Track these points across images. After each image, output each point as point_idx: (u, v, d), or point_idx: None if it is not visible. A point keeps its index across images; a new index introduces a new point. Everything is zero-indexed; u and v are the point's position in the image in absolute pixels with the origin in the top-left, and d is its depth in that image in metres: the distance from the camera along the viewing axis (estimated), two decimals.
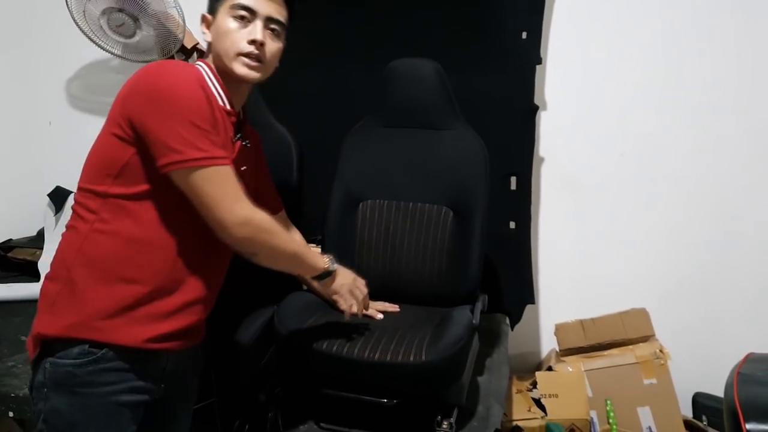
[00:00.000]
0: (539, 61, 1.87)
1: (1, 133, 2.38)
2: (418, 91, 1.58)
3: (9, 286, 2.02)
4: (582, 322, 2.02)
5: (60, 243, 1.08)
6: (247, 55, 1.11)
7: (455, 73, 1.83)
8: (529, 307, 2.00)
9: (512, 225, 1.92)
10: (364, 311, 1.41)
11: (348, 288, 1.33)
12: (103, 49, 2.03)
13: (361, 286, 1.36)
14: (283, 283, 1.42)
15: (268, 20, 1.13)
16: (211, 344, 1.28)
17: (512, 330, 1.91)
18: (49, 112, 2.33)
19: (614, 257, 2.03)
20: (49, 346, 1.02)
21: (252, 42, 1.11)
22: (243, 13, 1.11)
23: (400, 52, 1.69)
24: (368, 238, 1.60)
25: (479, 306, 1.47)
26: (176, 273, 1.08)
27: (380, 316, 1.48)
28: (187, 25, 2.05)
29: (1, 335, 1.65)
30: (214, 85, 1.12)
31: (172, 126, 0.97)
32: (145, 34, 2.06)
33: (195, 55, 2.13)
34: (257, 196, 1.23)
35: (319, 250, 1.56)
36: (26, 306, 1.85)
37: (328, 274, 1.27)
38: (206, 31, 1.16)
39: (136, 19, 2.03)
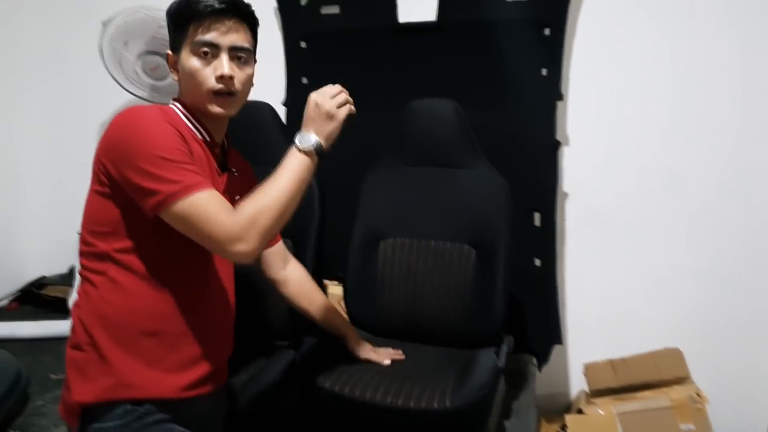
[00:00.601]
0: (560, 97, 1.86)
1: (34, 171, 2.47)
2: (436, 130, 1.59)
3: (40, 324, 2.06)
4: (612, 362, 1.95)
5: (75, 309, 1.08)
6: (218, 92, 1.09)
7: (476, 111, 1.85)
8: (556, 346, 1.95)
9: (537, 262, 1.89)
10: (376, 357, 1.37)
11: (329, 109, 1.10)
12: (131, 92, 2.09)
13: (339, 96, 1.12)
14: (306, 322, 1.41)
15: (233, 50, 1.09)
16: (235, 388, 1.28)
17: (539, 371, 1.86)
18: (82, 151, 2.40)
19: (644, 294, 1.98)
20: (90, 412, 1.02)
21: (220, 78, 1.08)
22: (206, 49, 1.07)
23: (421, 92, 1.71)
24: (389, 277, 1.59)
25: (504, 348, 1.44)
26: (194, 315, 1.08)
27: (388, 361, 1.43)
28: None
29: (31, 374, 1.67)
30: (189, 120, 1.11)
31: (143, 167, 0.96)
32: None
33: None
34: None
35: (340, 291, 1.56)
36: (56, 344, 1.87)
37: (317, 151, 1.08)
38: (172, 69, 1.14)
39: None
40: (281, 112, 2.12)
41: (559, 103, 1.89)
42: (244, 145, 1.67)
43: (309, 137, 1.07)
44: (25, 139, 2.47)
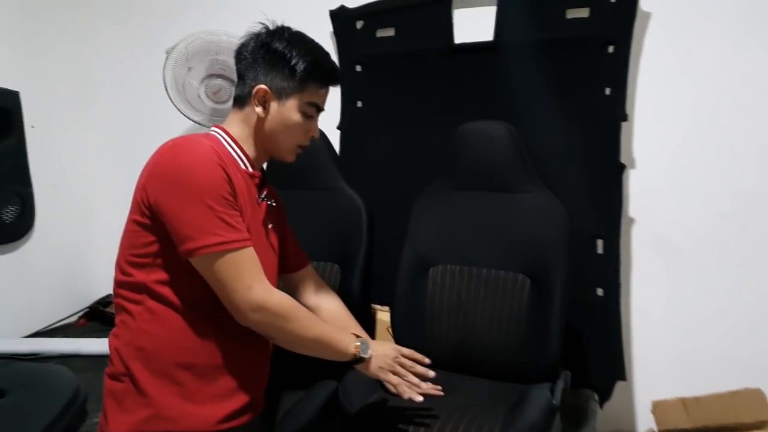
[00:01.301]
0: (625, 117, 1.76)
1: (104, 194, 2.58)
2: (489, 153, 1.53)
3: (103, 341, 2.12)
4: (684, 401, 1.80)
5: (113, 338, 1.10)
6: (303, 146, 1.17)
7: (535, 134, 1.81)
8: (622, 382, 1.83)
9: (599, 292, 1.78)
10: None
11: (389, 369, 1.18)
12: (189, 118, 2.15)
13: (405, 362, 1.20)
14: None
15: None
16: (274, 418, 1.26)
17: (601, 408, 1.75)
18: None
19: (719, 328, 1.82)
20: None
21: (311, 138, 1.17)
22: (312, 111, 1.15)
23: (477, 114, 1.67)
24: (439, 305, 1.54)
25: (560, 384, 1.36)
26: (229, 347, 1.08)
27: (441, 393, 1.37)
28: None
29: (92, 390, 1.71)
30: (234, 150, 1.11)
31: (188, 211, 0.97)
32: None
33: None
34: (283, 254, 1.26)
35: (383, 326, 1.51)
36: None
37: (359, 361, 1.15)
38: (259, 105, 1.11)
39: (232, 82, 2.14)
40: (336, 135, 2.13)
41: (624, 124, 1.79)
42: (295, 170, 1.69)
43: (367, 352, 1.15)
44: (95, 163, 2.59)
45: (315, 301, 1.34)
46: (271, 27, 1.16)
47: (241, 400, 1.08)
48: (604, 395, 1.76)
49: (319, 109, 1.16)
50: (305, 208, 1.59)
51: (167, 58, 2.08)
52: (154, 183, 1.01)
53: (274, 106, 1.11)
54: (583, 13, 1.82)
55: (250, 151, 1.14)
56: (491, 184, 1.54)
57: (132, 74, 2.50)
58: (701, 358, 1.83)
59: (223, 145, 1.10)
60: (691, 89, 1.80)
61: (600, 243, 1.79)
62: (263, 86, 1.10)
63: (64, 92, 2.45)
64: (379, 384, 1.35)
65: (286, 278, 1.35)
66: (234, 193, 1.03)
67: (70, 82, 2.47)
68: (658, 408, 1.83)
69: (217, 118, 2.19)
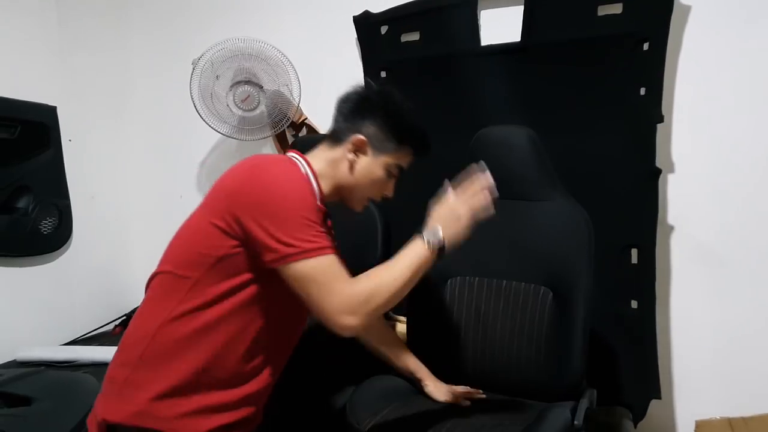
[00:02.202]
0: (661, 119, 1.66)
1: (139, 206, 2.64)
2: (508, 159, 1.46)
3: None
4: (730, 421, 1.67)
5: (134, 324, 1.11)
6: (372, 199, 1.21)
7: (566, 137, 1.73)
8: (663, 400, 1.71)
9: (634, 304, 1.68)
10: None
11: (466, 210, 1.13)
12: (215, 130, 2.16)
13: (467, 189, 1.16)
14: (360, 366, 1.34)
15: None
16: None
17: (635, 427, 1.64)
18: (181, 188, 2.53)
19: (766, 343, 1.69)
20: (113, 431, 1.04)
21: (385, 197, 1.21)
22: (395, 173, 1.20)
23: (506, 117, 1.60)
24: (457, 318, 1.47)
25: (584, 404, 1.27)
26: (242, 367, 1.07)
27: (467, 403, 1.36)
28: (300, 101, 2.13)
29: None
30: (314, 183, 1.15)
31: (286, 225, 1.00)
32: (262, 109, 2.18)
33: (304, 129, 2.20)
34: None
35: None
36: None
37: (440, 251, 1.10)
38: (353, 154, 1.17)
39: (260, 87, 2.15)
40: None
41: (661, 127, 1.68)
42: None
43: (438, 234, 1.09)
44: (130, 175, 2.65)
45: None
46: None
47: (237, 414, 1.07)
48: (639, 414, 1.65)
49: (403, 171, 1.22)
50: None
51: (193, 69, 2.10)
52: (245, 199, 1.03)
53: (365, 158, 1.18)
54: (616, 9, 1.73)
55: (325, 188, 1.17)
56: (510, 192, 1.46)
57: (165, 86, 2.55)
58: (750, 375, 1.70)
59: (307, 175, 1.15)
60: (735, 88, 1.67)
61: (635, 252, 1.69)
62: (364, 137, 1.16)
63: (100, 106, 2.52)
64: (392, 397, 1.31)
65: None
66: (319, 213, 1.06)
67: (106, 96, 2.54)
68: (701, 428, 1.70)
69: (245, 127, 2.19)
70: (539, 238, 1.42)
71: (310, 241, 0.99)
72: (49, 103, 2.30)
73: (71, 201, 2.36)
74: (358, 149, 1.17)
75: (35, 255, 2.24)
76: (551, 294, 1.39)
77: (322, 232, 1.02)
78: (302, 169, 1.13)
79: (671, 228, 1.76)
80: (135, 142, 2.64)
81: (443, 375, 1.44)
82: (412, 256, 1.07)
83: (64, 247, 2.34)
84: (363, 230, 1.56)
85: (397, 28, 2.05)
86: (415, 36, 2.03)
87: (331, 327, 1.01)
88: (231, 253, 1.03)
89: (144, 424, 1.02)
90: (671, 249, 1.76)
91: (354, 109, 1.19)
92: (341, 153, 1.17)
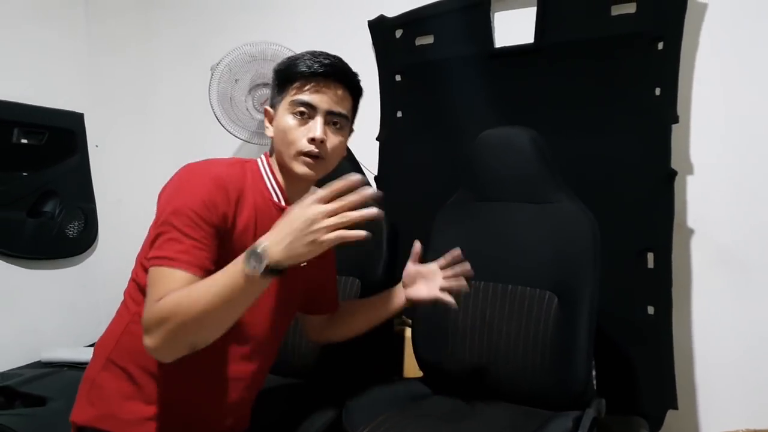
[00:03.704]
0: (676, 119, 1.61)
1: None
2: (510, 161, 1.44)
3: None
4: None
5: (108, 327, 1.13)
6: (307, 154, 1.07)
7: (579, 138, 1.72)
8: (684, 410, 1.65)
9: (650, 310, 1.62)
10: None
11: (305, 235, 0.86)
12: (233, 135, 2.19)
13: (328, 206, 0.87)
14: (356, 374, 1.33)
15: (329, 114, 1.08)
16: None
17: None
18: None
19: None
20: None
21: (311, 140, 1.06)
22: (302, 109, 1.07)
23: (520, 119, 1.58)
24: (462, 323, 1.45)
25: (591, 413, 1.24)
26: (196, 383, 1.06)
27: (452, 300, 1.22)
28: None
29: None
30: (270, 181, 1.12)
31: (158, 224, 0.98)
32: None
33: None
34: (312, 295, 1.23)
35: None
36: None
37: (270, 270, 0.87)
38: (269, 125, 1.14)
39: None
40: (375, 147, 2.10)
41: (678, 127, 1.63)
42: (316, 183, 1.67)
43: (261, 252, 0.86)
44: (155, 179, 2.66)
45: (326, 335, 1.35)
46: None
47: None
48: (655, 424, 1.59)
49: (310, 106, 1.07)
50: None
51: (212, 74, 2.14)
52: (160, 196, 1.05)
53: (275, 120, 1.12)
54: (629, 8, 1.70)
55: (283, 180, 1.13)
56: (515, 194, 1.44)
57: (189, 91, 2.60)
58: None
59: (261, 174, 1.12)
60: (754, 86, 1.61)
61: (650, 256, 1.64)
62: (267, 107, 1.15)
63: (126, 112, 2.59)
64: (389, 405, 1.30)
65: (306, 318, 1.36)
66: (226, 220, 1.01)
67: (131, 102, 2.61)
68: None
69: (262, 131, 2.21)
70: (544, 242, 1.40)
71: (159, 248, 0.95)
72: (77, 110, 2.37)
73: (97, 205, 2.43)
74: (270, 119, 1.14)
75: (61, 258, 2.31)
76: (556, 299, 1.36)
77: (179, 241, 0.94)
78: (262, 169, 1.12)
79: (690, 231, 1.70)
80: (160, 147, 2.69)
81: (447, 380, 1.42)
82: (225, 277, 0.89)
83: (89, 250, 2.40)
84: (367, 230, 1.55)
85: (412, 31, 2.04)
86: (429, 39, 2.02)
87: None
88: None
89: (107, 427, 1.04)
90: (691, 252, 1.70)
91: None
92: (269, 135, 1.15)
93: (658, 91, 1.64)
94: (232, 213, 1.02)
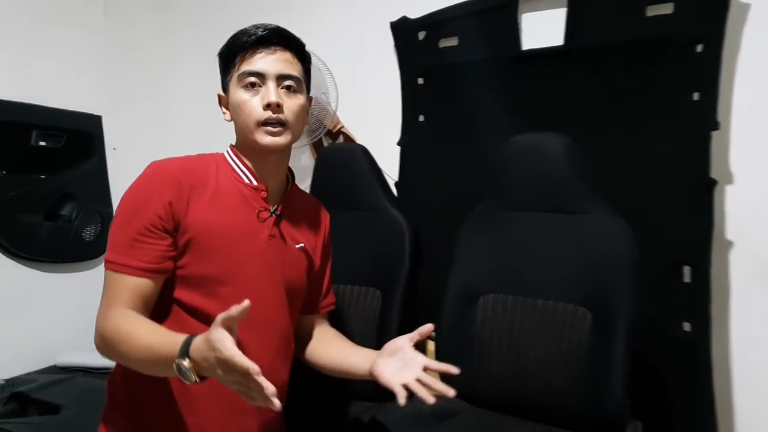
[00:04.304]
0: (716, 126, 1.52)
1: None
2: (542, 169, 1.36)
3: None
4: None
5: None
6: (266, 122, 1.04)
7: (611, 145, 1.64)
8: None
9: (686, 327, 1.54)
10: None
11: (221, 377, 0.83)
12: None
13: (223, 363, 0.80)
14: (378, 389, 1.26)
15: (280, 78, 1.06)
16: None
17: None
18: None
19: None
20: None
21: (267, 106, 1.04)
22: (252, 79, 1.05)
23: (548, 125, 1.51)
24: (489, 339, 1.38)
25: None
26: (179, 398, 1.04)
27: (432, 400, 1.00)
28: (337, 109, 2.09)
29: None
30: (237, 165, 1.11)
31: (112, 228, 1.02)
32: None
33: (341, 137, 2.16)
34: (298, 280, 1.16)
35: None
36: None
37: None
38: (225, 111, 1.14)
39: None
40: (396, 152, 2.04)
41: (717, 134, 1.55)
42: (336, 189, 1.62)
43: (185, 374, 0.84)
44: None
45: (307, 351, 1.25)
46: None
47: None
48: None
49: (258, 74, 1.05)
50: (346, 229, 1.50)
51: None
52: None
53: (229, 102, 1.11)
54: (666, 9, 1.61)
55: (251, 160, 1.12)
56: (545, 204, 1.37)
57: (208, 94, 2.55)
58: None
59: (227, 161, 1.12)
60: None
61: (687, 270, 1.55)
62: (219, 93, 1.16)
63: (144, 115, 2.56)
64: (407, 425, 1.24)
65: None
66: (173, 209, 1.01)
67: (150, 105, 2.58)
68: None
69: None
70: (577, 255, 1.32)
71: (114, 253, 1.00)
72: (95, 113, 2.35)
73: (114, 208, 2.39)
74: (225, 104, 1.14)
75: (77, 261, 2.29)
76: (590, 315, 1.29)
77: (126, 244, 0.99)
78: (228, 157, 1.13)
79: (730, 243, 1.61)
80: (178, 150, 2.64)
81: (474, 400, 1.35)
82: (161, 351, 0.88)
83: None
84: (390, 241, 1.49)
85: (435, 33, 1.98)
86: (453, 41, 1.96)
87: None
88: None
89: None
90: (730, 267, 1.61)
91: None
92: (227, 119, 1.15)
93: (696, 96, 1.55)
94: (185, 200, 1.02)
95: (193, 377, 0.83)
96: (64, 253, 2.24)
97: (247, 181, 1.10)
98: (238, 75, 1.06)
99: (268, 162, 1.11)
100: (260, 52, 1.06)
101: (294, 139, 1.10)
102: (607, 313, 1.25)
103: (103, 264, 2.04)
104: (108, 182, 2.39)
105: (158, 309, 1.03)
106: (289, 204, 1.17)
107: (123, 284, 0.98)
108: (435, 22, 1.97)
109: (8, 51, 2.09)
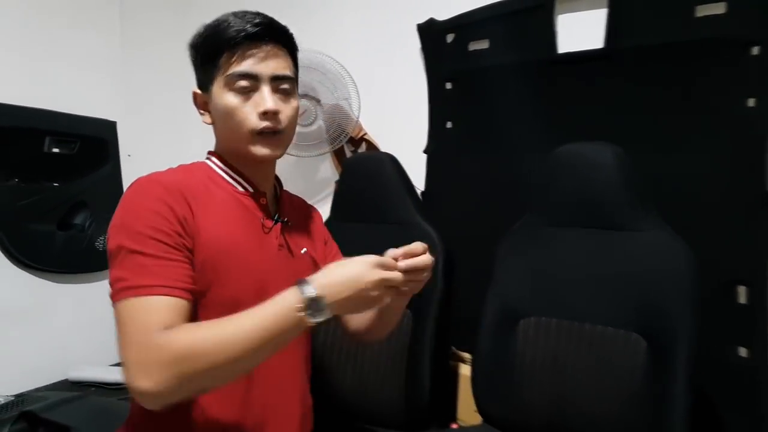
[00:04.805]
0: None
1: None
2: (592, 181, 1.26)
3: None
4: None
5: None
6: (262, 132, 0.93)
7: (654, 157, 1.53)
8: None
9: (742, 352, 1.42)
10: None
11: (369, 294, 0.83)
12: None
13: (392, 274, 0.85)
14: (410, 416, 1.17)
15: (275, 80, 0.95)
16: None
17: None
18: None
19: None
20: None
21: (264, 114, 0.93)
22: (243, 83, 0.93)
23: (586, 134, 1.42)
24: (530, 367, 1.28)
25: None
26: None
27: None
28: (359, 116, 2.00)
29: None
30: (227, 174, 1.00)
31: (110, 255, 0.86)
32: (320, 124, 2.06)
33: (363, 145, 2.07)
34: None
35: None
36: None
37: (313, 308, 0.80)
38: (203, 112, 1.01)
39: (317, 101, 2.04)
40: (423, 160, 1.94)
41: None
42: (362, 201, 1.52)
43: (321, 308, 0.80)
44: None
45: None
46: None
47: None
48: None
49: (251, 76, 0.93)
50: (373, 243, 1.40)
51: None
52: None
53: (209, 105, 0.99)
54: (718, 9, 1.50)
55: (239, 167, 1.01)
56: (594, 220, 1.26)
57: None
58: None
59: (213, 171, 1.01)
60: None
61: (743, 290, 1.44)
62: (195, 90, 1.02)
63: (160, 121, 2.49)
64: None
65: None
66: (187, 224, 0.88)
67: (166, 111, 2.51)
68: None
69: (301, 143, 2.08)
70: (629, 275, 1.21)
71: (120, 279, 0.82)
72: (109, 118, 2.29)
73: None
74: (201, 104, 1.01)
75: (91, 272, 2.22)
76: (644, 342, 1.18)
77: (140, 263, 0.82)
78: (213, 166, 1.01)
79: None
80: (194, 157, 2.58)
81: (510, 427, 1.25)
82: (274, 317, 0.79)
83: None
84: None
85: (465, 35, 1.89)
86: (484, 44, 1.86)
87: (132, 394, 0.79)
88: None
89: None
90: None
91: None
92: (206, 122, 1.03)
93: (752, 103, 1.44)
94: (192, 216, 0.90)
95: (326, 307, 0.79)
96: (78, 263, 2.17)
97: (242, 189, 1.00)
98: (227, 77, 0.94)
99: (260, 169, 1.02)
100: (251, 50, 0.94)
101: (288, 146, 1.01)
102: (664, 341, 1.14)
103: None
104: (122, 190, 2.29)
105: None
106: (285, 209, 1.08)
107: (158, 310, 0.81)
108: (464, 24, 1.87)
109: (20, 54, 2.03)
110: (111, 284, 0.84)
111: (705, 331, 1.38)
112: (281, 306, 0.79)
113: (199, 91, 1.00)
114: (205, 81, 0.98)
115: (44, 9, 2.10)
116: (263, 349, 0.79)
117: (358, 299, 0.82)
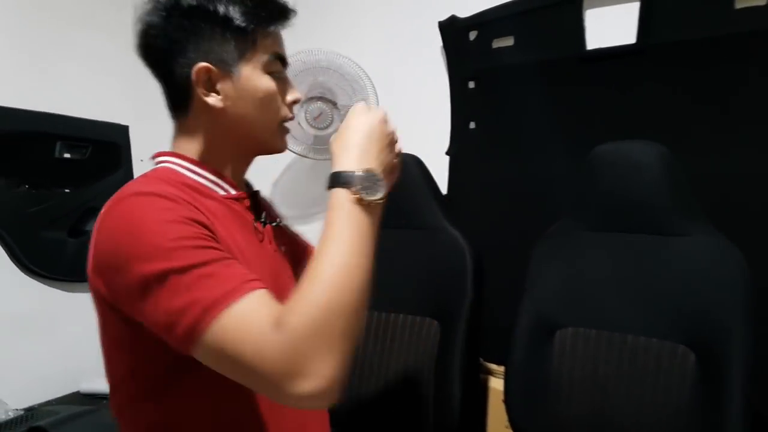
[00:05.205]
0: None
1: None
2: (633, 183, 1.18)
3: None
4: None
5: None
6: (288, 120, 0.87)
7: (696, 157, 1.45)
8: None
9: None
10: None
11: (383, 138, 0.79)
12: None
13: (388, 131, 0.81)
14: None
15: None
16: None
17: None
18: None
19: None
20: None
21: (294, 104, 0.87)
22: (280, 68, 0.85)
23: (615, 134, 1.35)
24: (568, 380, 1.20)
25: None
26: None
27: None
28: None
29: None
30: (200, 175, 0.84)
31: (148, 289, 0.67)
32: (337, 126, 2.01)
33: None
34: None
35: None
36: None
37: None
38: (213, 94, 0.81)
39: (334, 104, 1.98)
40: (445, 162, 1.87)
41: None
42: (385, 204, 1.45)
43: (376, 182, 0.74)
44: None
45: None
46: None
47: None
48: None
49: (285, 60, 0.86)
50: (397, 250, 1.34)
51: None
52: (101, 269, 0.76)
53: (227, 86, 0.81)
54: (759, 0, 1.42)
55: (222, 166, 0.86)
56: (637, 224, 1.19)
57: None
58: None
59: (181, 174, 0.83)
60: None
61: None
62: (202, 64, 0.79)
63: (173, 125, 2.44)
64: None
65: None
66: (210, 228, 0.74)
67: None
68: None
69: (318, 146, 2.02)
70: (675, 283, 1.13)
71: (195, 302, 0.65)
72: (122, 122, 2.25)
73: None
74: (211, 82, 0.81)
75: None
76: (693, 356, 1.10)
77: (224, 264, 0.69)
78: (179, 169, 0.84)
79: None
80: None
81: None
82: (349, 224, 0.70)
83: None
84: (449, 266, 1.32)
85: (488, 32, 1.82)
86: (508, 41, 1.79)
87: (290, 405, 0.65)
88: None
89: None
90: None
91: (166, 50, 0.83)
92: (199, 109, 0.83)
93: None
94: (209, 222, 0.76)
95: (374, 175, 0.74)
96: None
97: (223, 192, 0.85)
98: (269, 56, 0.83)
99: (242, 167, 0.91)
100: (280, 31, 0.86)
101: None
102: (716, 353, 1.06)
103: None
104: None
105: (169, 384, 0.79)
106: (268, 210, 0.98)
107: (255, 304, 0.66)
108: (488, 20, 1.81)
109: (31, 57, 1.99)
110: (176, 320, 0.65)
111: (759, 345, 1.31)
112: (343, 210, 0.72)
113: (210, 66, 0.80)
114: (225, 57, 0.80)
115: (55, 13, 2.06)
116: (365, 254, 0.69)
117: (388, 156, 0.80)
